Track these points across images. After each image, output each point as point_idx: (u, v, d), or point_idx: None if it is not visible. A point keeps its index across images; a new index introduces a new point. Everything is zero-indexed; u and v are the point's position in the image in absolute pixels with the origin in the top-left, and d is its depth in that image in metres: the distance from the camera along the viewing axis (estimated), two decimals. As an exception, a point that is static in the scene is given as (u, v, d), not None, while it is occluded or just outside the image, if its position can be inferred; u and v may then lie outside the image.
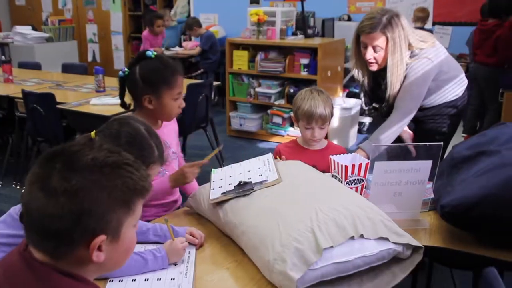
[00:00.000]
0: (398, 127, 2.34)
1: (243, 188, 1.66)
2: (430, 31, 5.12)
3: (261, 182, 1.67)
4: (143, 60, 1.89)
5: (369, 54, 2.31)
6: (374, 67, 2.37)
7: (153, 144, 1.46)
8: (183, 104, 1.94)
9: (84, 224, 0.86)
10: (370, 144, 2.24)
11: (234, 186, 1.68)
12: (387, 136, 2.32)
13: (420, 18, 5.50)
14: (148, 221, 1.72)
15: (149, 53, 1.88)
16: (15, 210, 1.43)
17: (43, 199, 0.86)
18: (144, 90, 1.86)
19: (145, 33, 6.46)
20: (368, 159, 1.85)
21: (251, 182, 1.68)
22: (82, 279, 0.92)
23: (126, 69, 1.91)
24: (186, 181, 1.86)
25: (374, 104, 2.54)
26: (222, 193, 1.68)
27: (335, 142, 2.32)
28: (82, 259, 0.90)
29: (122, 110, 2.10)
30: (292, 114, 2.29)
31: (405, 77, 2.33)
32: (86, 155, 0.89)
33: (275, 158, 2.21)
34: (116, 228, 0.91)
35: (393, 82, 2.32)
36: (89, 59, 8.29)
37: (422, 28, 5.35)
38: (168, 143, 1.98)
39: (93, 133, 1.46)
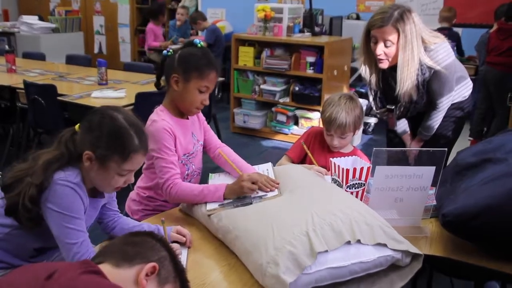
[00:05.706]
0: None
1: (242, 202, 1.65)
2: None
3: (260, 197, 1.67)
4: (190, 46, 1.89)
5: (380, 49, 2.22)
6: (385, 64, 2.28)
7: (132, 133, 1.43)
8: (207, 102, 1.87)
9: None
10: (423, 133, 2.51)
11: (233, 199, 1.68)
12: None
13: (446, 18, 5.17)
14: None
15: (196, 41, 1.87)
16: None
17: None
18: (176, 69, 1.83)
19: (150, 25, 6.42)
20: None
21: (250, 196, 1.68)
22: None
23: (171, 50, 1.90)
24: (242, 192, 1.72)
25: (388, 106, 2.47)
26: (219, 205, 1.67)
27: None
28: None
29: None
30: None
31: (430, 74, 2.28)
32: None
33: (305, 140, 2.15)
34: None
35: (404, 79, 2.25)
36: (95, 51, 8.27)
37: (449, 29, 5.08)
38: (196, 136, 1.95)
39: (77, 126, 1.48)
